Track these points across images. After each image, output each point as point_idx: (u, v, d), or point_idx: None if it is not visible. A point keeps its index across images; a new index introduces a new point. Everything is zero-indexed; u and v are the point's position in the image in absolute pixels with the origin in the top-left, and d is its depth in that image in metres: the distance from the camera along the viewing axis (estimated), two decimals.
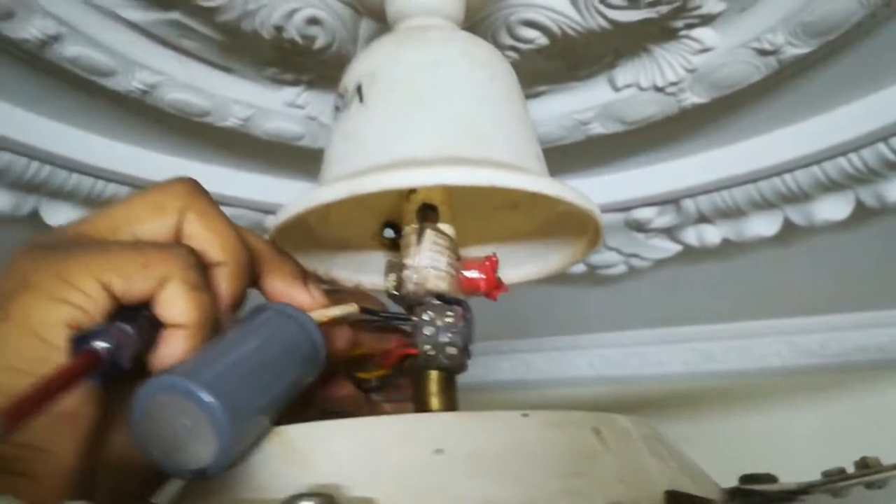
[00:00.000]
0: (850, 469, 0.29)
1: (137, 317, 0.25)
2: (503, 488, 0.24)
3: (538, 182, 0.29)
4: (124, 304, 0.24)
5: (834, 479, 0.29)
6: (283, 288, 0.30)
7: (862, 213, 0.74)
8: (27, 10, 0.48)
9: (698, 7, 0.48)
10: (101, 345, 0.23)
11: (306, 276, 0.31)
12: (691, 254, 0.87)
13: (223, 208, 0.73)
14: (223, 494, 0.24)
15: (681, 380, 1.33)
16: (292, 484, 0.23)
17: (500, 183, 0.29)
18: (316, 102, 0.59)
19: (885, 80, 0.59)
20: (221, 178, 0.70)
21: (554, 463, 0.25)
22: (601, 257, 0.90)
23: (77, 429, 0.23)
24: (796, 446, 0.30)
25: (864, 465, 0.29)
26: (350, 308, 0.31)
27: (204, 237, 0.27)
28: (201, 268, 0.26)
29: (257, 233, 0.32)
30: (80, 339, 0.23)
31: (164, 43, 0.53)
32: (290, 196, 0.73)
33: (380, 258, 0.38)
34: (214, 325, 0.26)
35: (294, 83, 0.58)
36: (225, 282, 0.27)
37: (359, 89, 0.34)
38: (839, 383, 1.24)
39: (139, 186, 0.69)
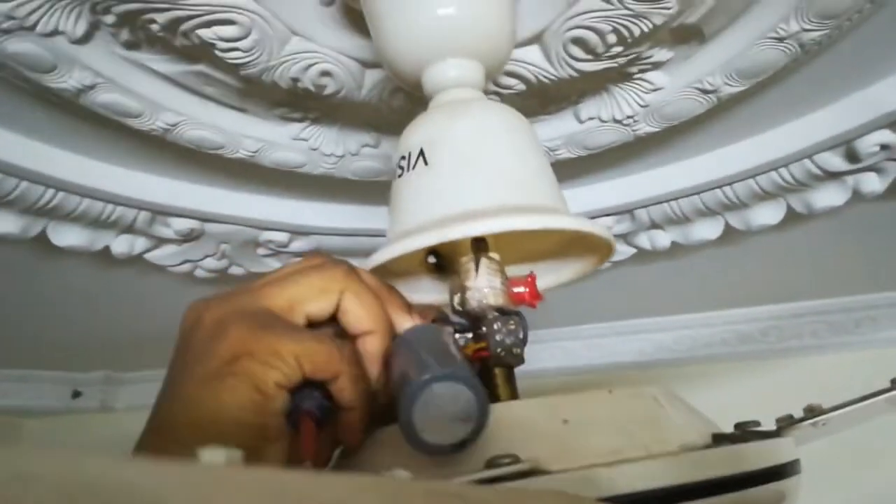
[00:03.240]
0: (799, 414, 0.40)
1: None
2: (618, 440, 0.32)
3: (576, 221, 0.39)
4: (307, 378, 0.33)
5: (792, 422, 0.39)
6: (401, 319, 0.38)
7: (793, 217, 0.84)
8: (68, 64, 0.54)
9: (650, 56, 0.57)
10: (308, 406, 0.32)
11: (411, 306, 0.40)
12: (644, 255, 0.97)
13: (225, 226, 0.80)
14: (430, 470, 0.30)
15: (636, 367, 1.42)
16: (473, 454, 0.30)
17: (550, 225, 0.37)
18: (318, 135, 0.67)
19: (808, 108, 0.69)
20: (226, 200, 0.77)
21: (640, 421, 0.34)
22: None
23: (282, 452, 0.32)
24: (746, 414, 0.40)
25: (811, 410, 0.40)
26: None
27: (359, 312, 0.35)
28: (359, 363, 0.35)
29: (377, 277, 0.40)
30: (297, 397, 0.32)
31: (188, 89, 0.59)
32: (285, 214, 0.80)
33: (426, 281, 0.48)
34: (368, 399, 0.35)
35: (300, 120, 0.65)
36: (374, 344, 0.35)
37: (422, 153, 0.42)
38: (780, 366, 1.34)
39: (148, 210, 0.76)
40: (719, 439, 0.35)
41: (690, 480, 0.29)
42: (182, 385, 0.31)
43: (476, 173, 0.41)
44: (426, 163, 0.42)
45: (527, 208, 0.40)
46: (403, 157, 0.43)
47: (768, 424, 0.40)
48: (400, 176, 0.43)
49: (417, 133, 0.43)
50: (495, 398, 0.39)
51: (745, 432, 0.38)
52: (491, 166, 0.41)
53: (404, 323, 0.38)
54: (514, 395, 0.40)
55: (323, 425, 0.33)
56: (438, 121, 0.43)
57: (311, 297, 0.34)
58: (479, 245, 0.42)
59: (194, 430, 0.30)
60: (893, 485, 1.19)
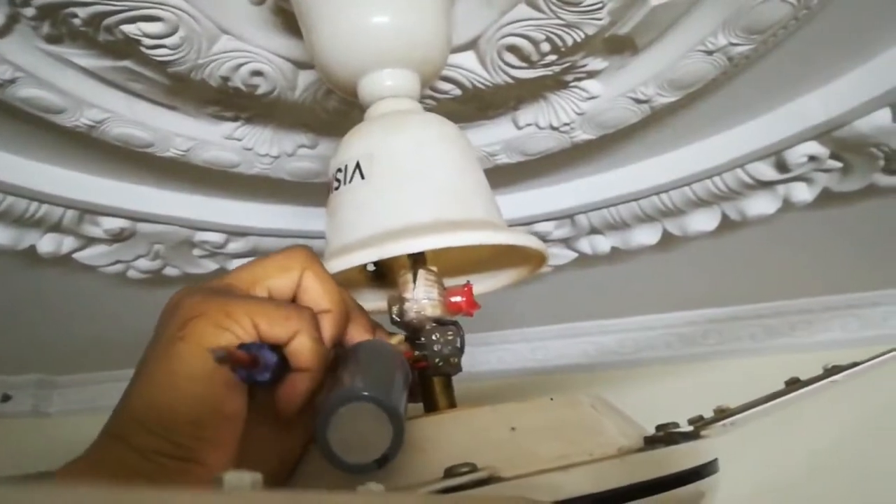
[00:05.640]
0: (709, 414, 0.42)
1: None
2: (563, 446, 0.34)
3: (510, 236, 0.40)
4: (264, 342, 0.31)
5: (704, 422, 0.41)
6: (363, 332, 0.37)
7: (728, 224, 0.86)
8: None
9: (584, 65, 0.58)
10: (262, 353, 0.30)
11: (375, 324, 0.39)
12: (586, 260, 0.98)
13: (157, 226, 0.78)
14: (388, 481, 0.30)
15: (581, 370, 1.44)
16: (428, 464, 0.31)
17: (486, 241, 0.38)
18: (252, 135, 0.65)
19: (739, 119, 0.71)
20: (159, 199, 0.75)
21: (581, 427, 0.36)
22: None
23: (237, 426, 0.30)
24: (689, 414, 0.43)
25: (720, 410, 0.42)
26: (401, 338, 0.39)
27: (317, 291, 0.34)
28: (319, 326, 0.33)
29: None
30: (243, 347, 0.30)
31: (114, 85, 0.57)
32: (220, 215, 0.78)
33: (365, 289, 0.48)
34: (324, 365, 0.33)
35: (233, 119, 0.63)
36: (329, 325, 0.34)
37: (358, 167, 0.42)
38: (720, 367, 1.37)
39: (75, 209, 0.73)
40: (650, 441, 0.37)
41: (632, 482, 0.31)
42: (140, 365, 0.30)
43: (413, 187, 0.41)
44: (363, 176, 0.42)
45: (463, 223, 0.41)
46: (340, 170, 0.43)
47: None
48: (337, 188, 0.43)
49: (354, 146, 0.43)
50: (434, 406, 0.40)
51: (670, 433, 0.39)
52: (427, 180, 0.42)
53: (367, 336, 0.37)
54: (452, 403, 0.41)
55: (272, 384, 0.31)
56: (375, 134, 0.43)
57: (273, 273, 0.34)
58: (417, 258, 0.42)
59: (147, 407, 0.28)
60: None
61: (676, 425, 0.41)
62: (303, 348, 0.31)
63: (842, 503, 1.20)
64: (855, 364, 0.38)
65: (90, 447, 0.29)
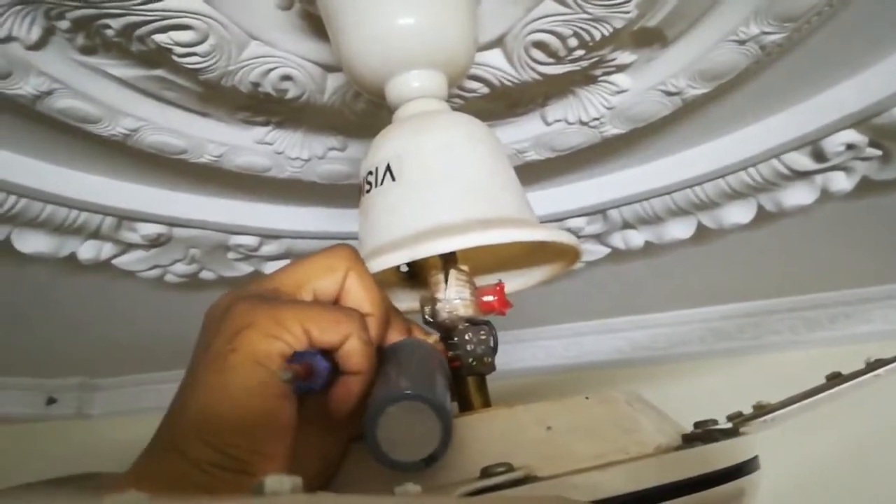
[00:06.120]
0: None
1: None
2: (600, 445, 0.34)
3: (542, 232, 0.40)
4: (316, 348, 0.31)
5: (743, 419, 0.41)
6: (400, 333, 0.37)
7: (764, 216, 0.84)
8: (23, 70, 0.53)
9: (613, 59, 0.57)
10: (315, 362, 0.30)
11: (411, 324, 0.39)
12: (619, 255, 0.97)
13: (193, 231, 0.79)
14: (426, 481, 0.30)
15: (615, 366, 1.43)
16: (465, 464, 0.31)
17: (517, 238, 0.38)
18: (283, 139, 0.66)
19: (774, 109, 0.70)
20: (193, 204, 0.76)
21: (616, 425, 0.36)
22: None
23: (290, 437, 0.29)
24: (726, 410, 0.43)
25: (759, 406, 0.42)
26: (436, 337, 0.39)
27: (360, 293, 0.34)
28: (367, 328, 0.33)
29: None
30: (297, 356, 0.29)
31: (148, 94, 0.58)
32: (254, 218, 0.80)
33: (398, 290, 0.48)
34: (374, 367, 0.33)
35: (264, 124, 0.64)
36: (373, 328, 0.34)
37: (389, 169, 0.42)
38: (757, 362, 1.35)
39: (113, 215, 0.75)
40: (688, 439, 0.36)
41: (670, 481, 0.31)
42: (190, 375, 0.30)
43: (443, 188, 0.41)
44: (393, 178, 0.42)
45: (494, 221, 0.40)
46: (371, 173, 0.43)
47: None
48: (368, 192, 0.43)
49: (383, 148, 0.43)
50: (468, 406, 0.40)
51: (709, 431, 0.39)
52: (458, 180, 0.42)
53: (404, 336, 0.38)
54: (486, 402, 0.41)
55: (324, 389, 0.32)
56: (404, 136, 0.43)
57: (317, 275, 0.33)
58: (448, 258, 0.42)
59: (202, 419, 0.28)
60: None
61: (715, 422, 0.41)
62: (354, 352, 0.31)
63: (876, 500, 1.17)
64: None
65: (143, 456, 0.29)
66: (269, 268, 0.88)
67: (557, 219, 0.87)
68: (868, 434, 1.21)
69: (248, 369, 0.28)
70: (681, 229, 0.88)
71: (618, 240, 0.92)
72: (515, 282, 0.50)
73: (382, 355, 0.35)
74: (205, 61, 0.52)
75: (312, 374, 0.30)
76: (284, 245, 0.85)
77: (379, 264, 0.38)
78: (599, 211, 0.85)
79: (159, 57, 0.53)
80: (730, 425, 0.41)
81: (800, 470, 1.18)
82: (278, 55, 0.53)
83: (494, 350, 0.41)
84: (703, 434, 0.38)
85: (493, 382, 0.42)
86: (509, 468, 0.29)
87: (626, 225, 0.89)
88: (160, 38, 0.50)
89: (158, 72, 0.55)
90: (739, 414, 0.42)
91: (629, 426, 0.36)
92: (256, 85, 0.55)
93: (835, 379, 0.40)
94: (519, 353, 1.47)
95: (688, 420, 0.41)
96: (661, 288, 1.19)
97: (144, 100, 0.59)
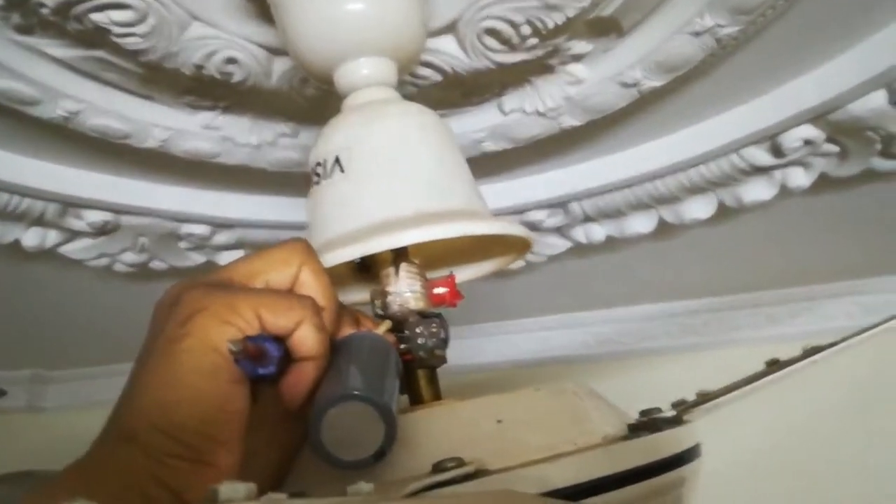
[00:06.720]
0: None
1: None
2: (549, 437, 0.34)
3: (492, 225, 0.40)
4: (269, 334, 0.31)
5: (686, 406, 0.42)
6: (350, 326, 0.37)
7: (725, 212, 0.84)
8: None
9: (568, 49, 0.56)
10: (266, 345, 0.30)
11: (360, 315, 0.39)
12: (581, 249, 0.97)
13: (142, 219, 0.77)
14: (377, 477, 0.30)
15: (581, 361, 1.43)
16: (417, 458, 0.31)
17: (469, 232, 0.38)
18: (231, 124, 0.64)
19: (731, 103, 0.69)
20: (141, 191, 0.74)
21: (565, 416, 0.36)
22: None
23: (242, 423, 0.29)
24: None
25: (703, 394, 0.43)
26: (388, 325, 0.39)
27: (313, 286, 0.33)
28: (321, 314, 0.33)
29: None
30: (249, 340, 0.29)
31: (88, 75, 0.56)
32: (205, 207, 0.78)
33: (349, 282, 0.48)
34: (328, 353, 0.33)
35: (211, 108, 0.62)
36: (327, 321, 0.34)
37: (338, 161, 0.41)
38: (721, 356, 1.36)
39: (57, 202, 0.72)
40: (634, 429, 0.37)
41: (617, 471, 0.32)
42: (142, 361, 0.30)
43: (393, 180, 0.41)
44: (342, 170, 0.41)
45: (446, 214, 0.40)
46: (319, 164, 0.43)
47: None
48: (317, 183, 0.43)
49: (332, 139, 0.43)
50: (419, 399, 0.40)
51: (653, 419, 0.39)
52: (408, 172, 0.41)
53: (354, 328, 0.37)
54: (437, 395, 0.41)
55: (277, 378, 0.31)
56: (353, 126, 0.43)
57: (271, 267, 0.33)
58: (399, 251, 0.42)
59: (155, 407, 0.28)
60: None
61: (660, 410, 0.41)
62: (307, 337, 0.31)
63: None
64: (833, 344, 0.38)
65: (94, 447, 0.28)
66: (222, 258, 0.86)
67: (517, 211, 0.86)
68: (800, 420, 1.22)
69: (201, 354, 0.28)
70: (642, 223, 0.88)
71: (580, 233, 0.92)
72: (468, 272, 0.50)
73: (333, 349, 0.34)
74: (145, 42, 0.50)
75: (263, 356, 0.30)
76: (237, 234, 0.83)
77: (332, 259, 0.37)
78: (559, 204, 0.84)
79: (98, 37, 0.51)
80: (674, 413, 0.42)
81: (732, 455, 1.19)
82: (222, 37, 0.51)
83: (446, 343, 0.41)
84: (648, 423, 0.38)
85: (456, 376, 0.42)
86: (460, 462, 0.29)
87: (588, 218, 0.88)
88: (97, 17, 0.48)
89: (98, 52, 0.53)
90: (683, 401, 0.43)
91: (578, 417, 0.37)
92: (200, 67, 0.53)
93: (773, 365, 0.41)
94: (483, 346, 1.46)
95: None
96: (626, 282, 1.19)
97: (85, 81, 0.57)
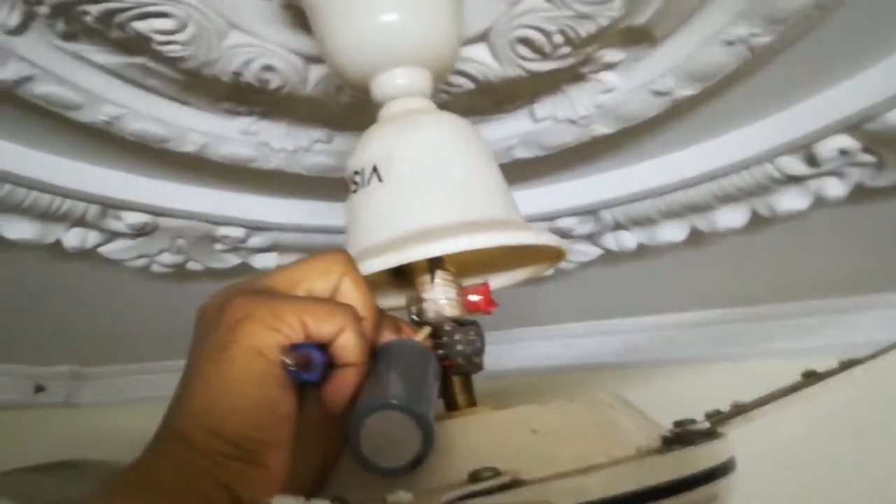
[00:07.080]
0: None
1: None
2: (583, 448, 0.35)
3: (527, 235, 0.40)
4: (312, 340, 0.31)
5: (721, 417, 0.42)
6: (390, 334, 0.38)
7: (758, 221, 0.83)
8: (3, 55, 0.52)
9: (601, 58, 0.56)
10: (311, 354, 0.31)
11: (400, 322, 0.40)
12: (613, 257, 0.96)
13: (179, 221, 0.79)
14: (414, 484, 0.30)
15: (610, 368, 1.42)
16: (453, 467, 0.32)
17: (504, 242, 0.39)
18: (267, 130, 0.65)
19: (765, 112, 0.69)
20: (180, 194, 0.76)
21: (599, 428, 0.37)
22: None
23: (291, 426, 0.30)
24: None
25: (737, 406, 0.42)
26: (427, 332, 0.39)
27: (354, 296, 0.34)
28: (361, 322, 0.33)
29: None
30: (294, 348, 0.30)
31: (129, 81, 0.58)
32: (241, 210, 0.79)
33: (385, 288, 0.48)
34: (368, 359, 0.34)
35: (248, 114, 0.63)
36: (366, 330, 0.34)
37: (375, 170, 0.42)
38: (752, 368, 1.34)
39: (98, 203, 0.74)
40: (668, 441, 0.37)
41: (650, 485, 0.32)
42: (192, 366, 0.31)
43: (430, 189, 0.42)
44: (380, 179, 0.42)
45: (482, 224, 0.41)
46: (357, 173, 0.44)
47: None
48: (355, 191, 0.44)
49: (370, 149, 0.44)
50: (454, 405, 0.41)
51: (687, 431, 0.39)
52: (443, 181, 0.42)
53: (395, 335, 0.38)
54: (472, 401, 0.41)
55: (320, 383, 0.32)
56: (390, 136, 0.44)
57: (312, 276, 0.34)
58: (434, 259, 0.42)
59: (207, 413, 0.29)
60: None
61: (694, 422, 0.41)
62: (349, 344, 0.32)
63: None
64: (870, 357, 0.37)
65: (153, 444, 0.30)
66: (257, 260, 0.88)
67: (548, 218, 0.86)
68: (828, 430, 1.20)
69: (248, 359, 0.29)
70: (674, 232, 0.87)
71: (610, 241, 0.92)
72: (500, 279, 0.50)
73: (373, 356, 0.35)
74: (185, 50, 0.51)
75: (309, 364, 0.31)
76: (272, 237, 0.84)
77: (369, 267, 0.38)
78: (590, 211, 0.84)
79: (140, 44, 0.52)
80: (708, 424, 0.41)
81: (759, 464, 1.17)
82: (260, 45, 0.52)
83: (482, 350, 0.42)
84: (682, 435, 0.38)
85: (487, 381, 0.42)
86: (496, 472, 0.30)
87: (619, 226, 0.88)
88: (139, 25, 0.49)
89: (139, 59, 0.55)
90: (718, 412, 0.43)
91: (611, 428, 0.37)
92: (238, 74, 0.54)
93: (810, 377, 0.40)
94: (514, 353, 1.46)
95: None
96: (657, 291, 1.19)
97: (126, 87, 0.59)
